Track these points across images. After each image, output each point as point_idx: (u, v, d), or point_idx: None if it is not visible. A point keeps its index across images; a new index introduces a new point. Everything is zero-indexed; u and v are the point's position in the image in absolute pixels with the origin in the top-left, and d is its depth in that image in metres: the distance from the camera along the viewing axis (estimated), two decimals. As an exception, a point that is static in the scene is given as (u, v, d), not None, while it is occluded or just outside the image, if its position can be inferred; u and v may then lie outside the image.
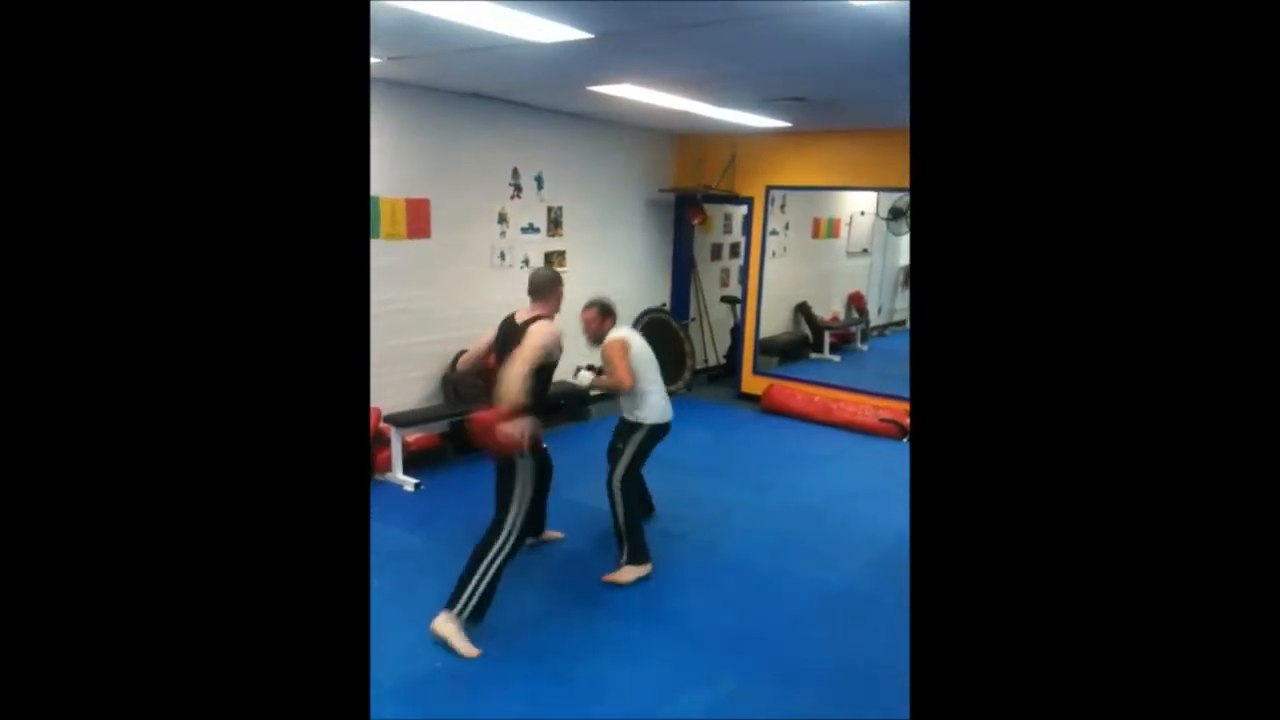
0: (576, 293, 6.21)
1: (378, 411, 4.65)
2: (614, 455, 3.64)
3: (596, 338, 3.57)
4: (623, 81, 4.28)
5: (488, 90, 4.94)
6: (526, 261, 5.74)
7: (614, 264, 6.60)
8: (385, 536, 3.77)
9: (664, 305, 7.18)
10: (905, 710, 1.31)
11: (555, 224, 5.94)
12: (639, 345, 3.60)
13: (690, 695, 2.62)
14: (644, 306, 6.94)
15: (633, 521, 3.51)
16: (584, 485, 4.51)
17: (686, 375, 7.06)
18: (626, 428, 3.59)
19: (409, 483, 4.54)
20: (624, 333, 3.58)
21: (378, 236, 4.71)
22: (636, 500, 3.61)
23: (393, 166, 4.73)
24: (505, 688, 2.63)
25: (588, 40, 3.15)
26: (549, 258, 5.93)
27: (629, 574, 3.45)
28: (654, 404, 3.56)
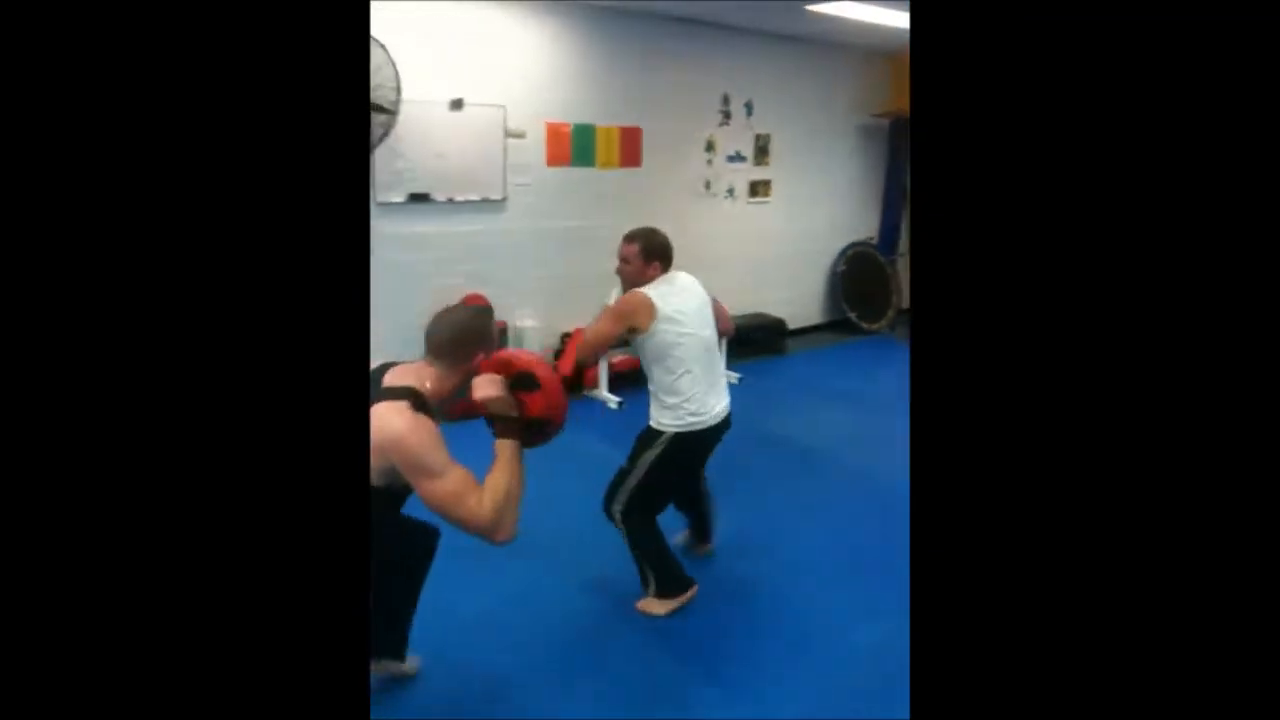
0: (780, 226, 6.18)
1: (585, 331, 4.95)
2: (618, 478, 2.56)
3: (634, 284, 2.47)
4: (844, -1, 4.08)
5: (700, 14, 4.91)
6: (731, 191, 5.75)
7: (820, 194, 6.42)
8: (585, 445, 4.05)
9: (871, 239, 6.90)
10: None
11: (762, 151, 5.86)
12: (681, 307, 2.39)
13: (862, 628, 2.64)
14: (850, 239, 6.71)
15: (652, 553, 2.56)
16: (781, 414, 4.56)
17: (890, 314, 6.78)
18: (642, 439, 2.52)
19: (612, 400, 4.82)
20: (662, 290, 2.40)
21: (593, 165, 4.92)
22: (654, 530, 2.56)
23: (606, 95, 4.89)
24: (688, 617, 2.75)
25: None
26: (754, 186, 5.88)
27: (659, 606, 2.58)
28: (684, 399, 2.40)
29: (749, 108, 5.68)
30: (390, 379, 1.79)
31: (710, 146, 5.55)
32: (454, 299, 4.50)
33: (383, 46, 3.74)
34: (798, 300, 6.48)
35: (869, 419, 4.65)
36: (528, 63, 4.57)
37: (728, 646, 2.55)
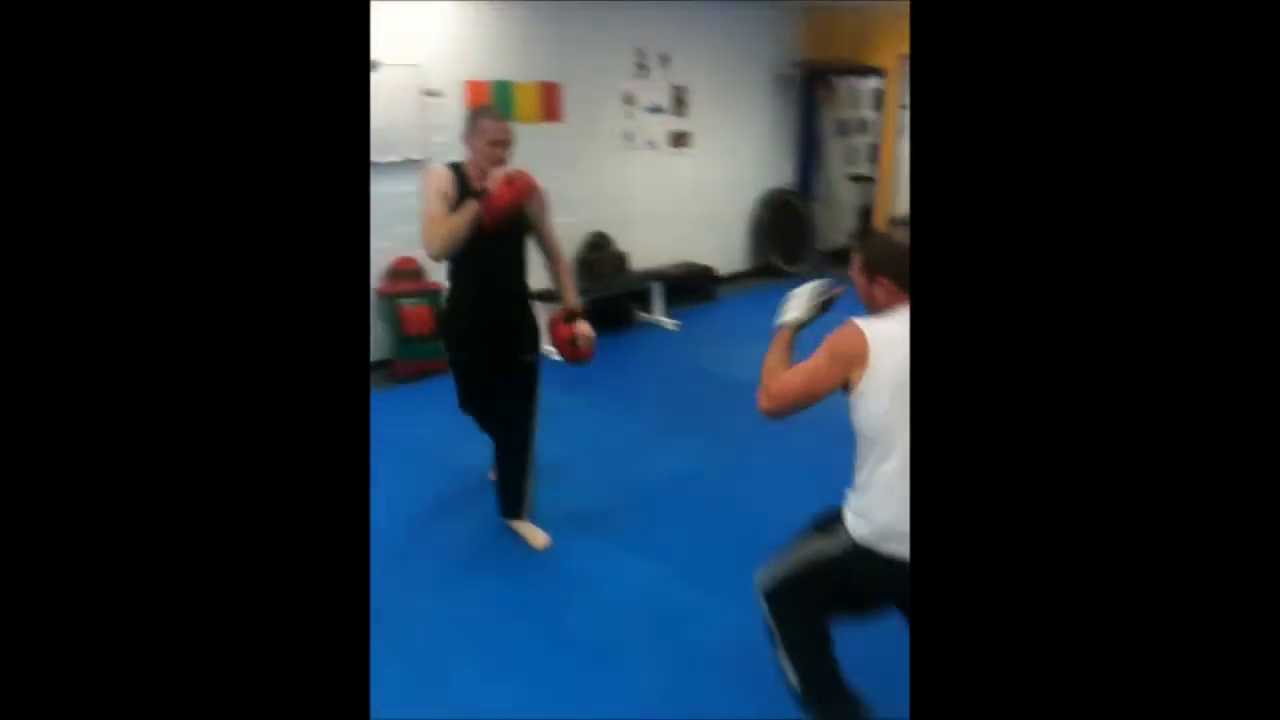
0: (703, 175, 6.27)
1: (520, 289, 4.97)
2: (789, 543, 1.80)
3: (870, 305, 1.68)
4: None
5: (612, -35, 4.91)
6: (653, 143, 5.81)
7: (740, 143, 6.54)
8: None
9: (788, 185, 7.09)
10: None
11: (680, 103, 5.92)
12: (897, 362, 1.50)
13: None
14: (768, 186, 6.88)
15: (807, 660, 1.74)
16: (717, 355, 4.73)
17: (810, 256, 7.01)
18: (825, 519, 1.73)
19: (669, 322, 5.03)
20: (889, 327, 1.56)
21: (514, 121, 4.89)
22: (812, 633, 1.74)
23: (523, 51, 4.86)
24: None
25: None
26: (675, 137, 5.96)
27: None
28: (877, 500, 1.56)
29: (664, 60, 5.73)
30: None
31: (629, 99, 5.58)
32: (385, 263, 4.45)
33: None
34: (724, 247, 6.63)
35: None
36: (443, 21, 4.50)
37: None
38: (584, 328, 2.71)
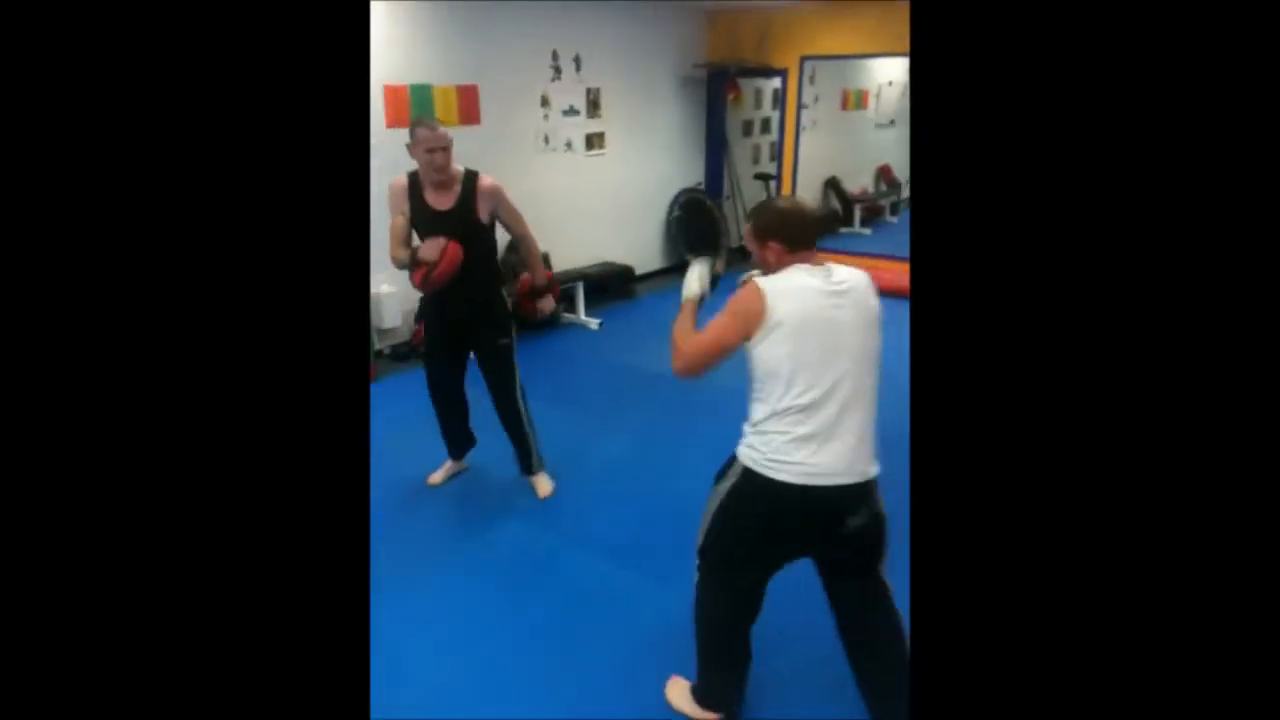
0: (618, 176, 6.42)
1: (444, 292, 5.01)
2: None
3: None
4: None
5: (526, -30, 4.97)
6: (569, 144, 5.91)
7: (652, 144, 6.73)
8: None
9: (698, 184, 7.33)
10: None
11: (594, 105, 6.05)
12: (802, 318, 1.68)
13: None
14: (681, 186, 7.10)
15: (705, 632, 1.98)
16: (639, 351, 4.90)
17: (722, 254, 7.29)
18: (723, 467, 1.89)
19: (592, 323, 5.33)
20: (783, 282, 1.72)
21: (432, 124, 4.90)
22: (725, 605, 1.93)
23: (443, 54, 4.87)
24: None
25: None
26: (590, 139, 6.08)
27: (686, 704, 2.05)
28: (767, 431, 1.72)
29: (578, 62, 5.84)
30: None
31: (545, 101, 5.67)
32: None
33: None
34: (641, 247, 6.81)
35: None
36: (356, 22, 4.46)
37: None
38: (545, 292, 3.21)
